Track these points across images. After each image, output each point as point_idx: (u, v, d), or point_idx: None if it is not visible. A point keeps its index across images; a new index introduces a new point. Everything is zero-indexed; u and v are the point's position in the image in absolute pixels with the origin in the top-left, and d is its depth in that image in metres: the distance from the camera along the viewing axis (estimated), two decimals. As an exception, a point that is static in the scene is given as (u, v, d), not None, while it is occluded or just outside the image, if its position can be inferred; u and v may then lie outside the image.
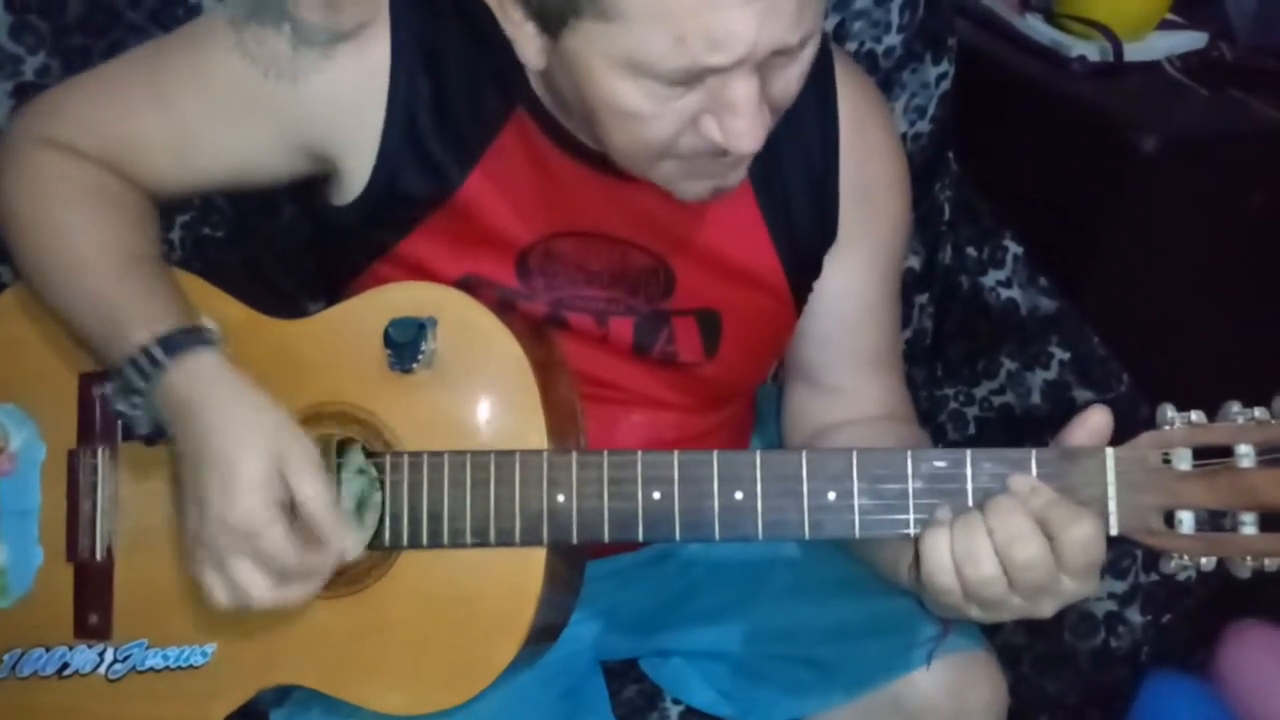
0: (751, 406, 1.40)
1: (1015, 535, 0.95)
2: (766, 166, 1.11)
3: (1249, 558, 0.96)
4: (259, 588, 1.02)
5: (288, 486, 1.02)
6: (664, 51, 0.92)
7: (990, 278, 1.72)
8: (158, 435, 1.09)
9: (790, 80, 1.00)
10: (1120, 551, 1.52)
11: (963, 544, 0.96)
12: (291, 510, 1.03)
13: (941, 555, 0.97)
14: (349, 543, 1.05)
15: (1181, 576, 1.00)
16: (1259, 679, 1.66)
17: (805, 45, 0.97)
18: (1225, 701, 1.67)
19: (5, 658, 1.18)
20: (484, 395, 1.10)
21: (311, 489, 1.02)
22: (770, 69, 0.97)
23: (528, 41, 1.02)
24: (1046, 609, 0.99)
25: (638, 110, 0.98)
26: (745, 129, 0.97)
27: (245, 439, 1.02)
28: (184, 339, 1.05)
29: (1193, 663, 1.70)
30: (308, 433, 1.09)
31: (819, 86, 1.17)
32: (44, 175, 1.14)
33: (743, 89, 0.95)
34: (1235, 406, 0.96)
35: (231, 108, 1.14)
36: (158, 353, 1.05)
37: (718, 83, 0.96)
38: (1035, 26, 1.91)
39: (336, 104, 1.12)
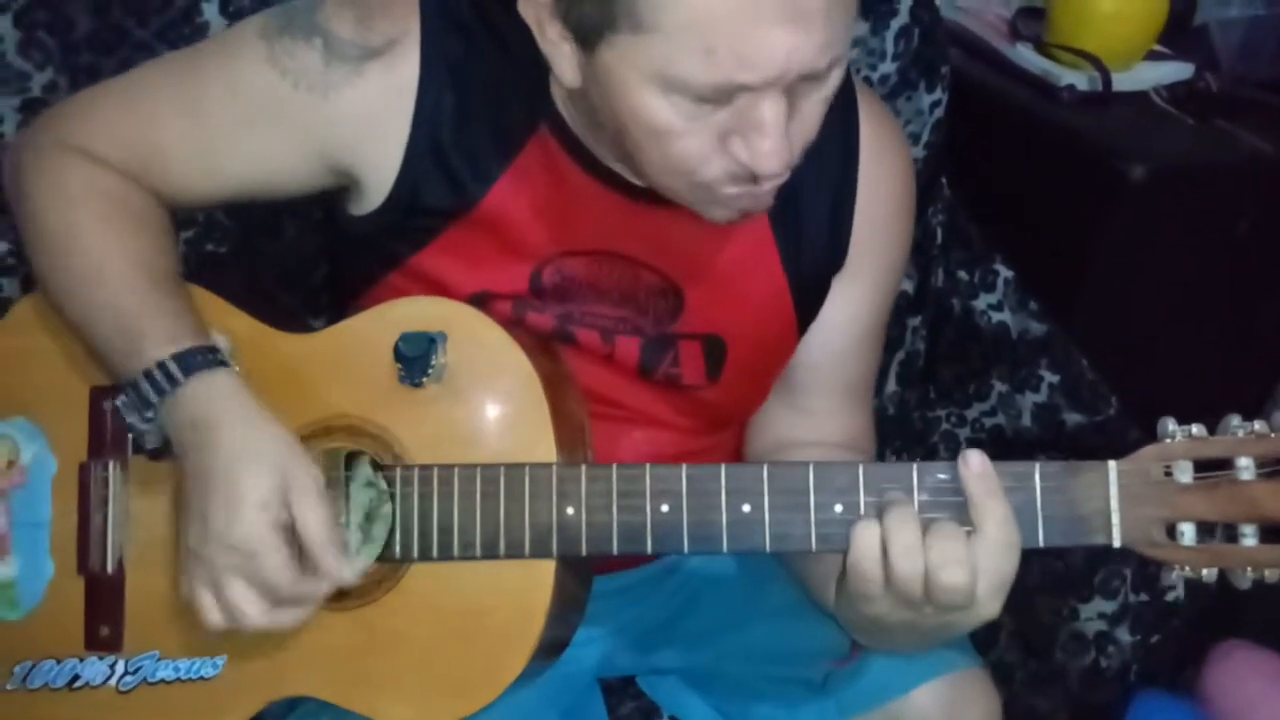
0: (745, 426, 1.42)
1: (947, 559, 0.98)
2: (784, 194, 1.12)
3: (1249, 568, 0.98)
4: (252, 610, 1.02)
5: (290, 510, 1.03)
6: (697, 67, 0.94)
7: (981, 301, 1.74)
8: (164, 451, 1.10)
9: (814, 106, 1.01)
10: (1110, 572, 1.54)
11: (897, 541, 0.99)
12: (293, 534, 1.03)
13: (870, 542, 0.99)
14: (346, 573, 1.05)
15: (1175, 583, 1.02)
16: (1244, 698, 1.67)
17: (831, 71, 0.99)
18: (1211, 721, 1.69)
19: (16, 669, 1.18)
20: (493, 409, 1.11)
21: (313, 516, 1.03)
22: (797, 94, 0.99)
23: (564, 60, 1.03)
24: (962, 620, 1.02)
25: (668, 126, 0.99)
26: (771, 149, 0.98)
27: (252, 459, 1.03)
28: (200, 358, 1.06)
29: (1180, 682, 1.71)
30: (317, 446, 1.11)
31: (842, 118, 1.18)
32: (71, 184, 1.15)
33: (770, 110, 0.97)
34: (1235, 420, 0.98)
35: (259, 118, 1.14)
36: (174, 369, 1.05)
37: (747, 102, 0.97)
38: (1025, 56, 1.93)
39: (364, 118, 1.13)
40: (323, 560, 1.03)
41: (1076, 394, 1.65)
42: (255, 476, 1.02)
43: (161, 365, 1.06)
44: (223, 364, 1.08)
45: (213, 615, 1.04)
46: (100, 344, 1.12)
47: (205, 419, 1.05)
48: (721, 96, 0.96)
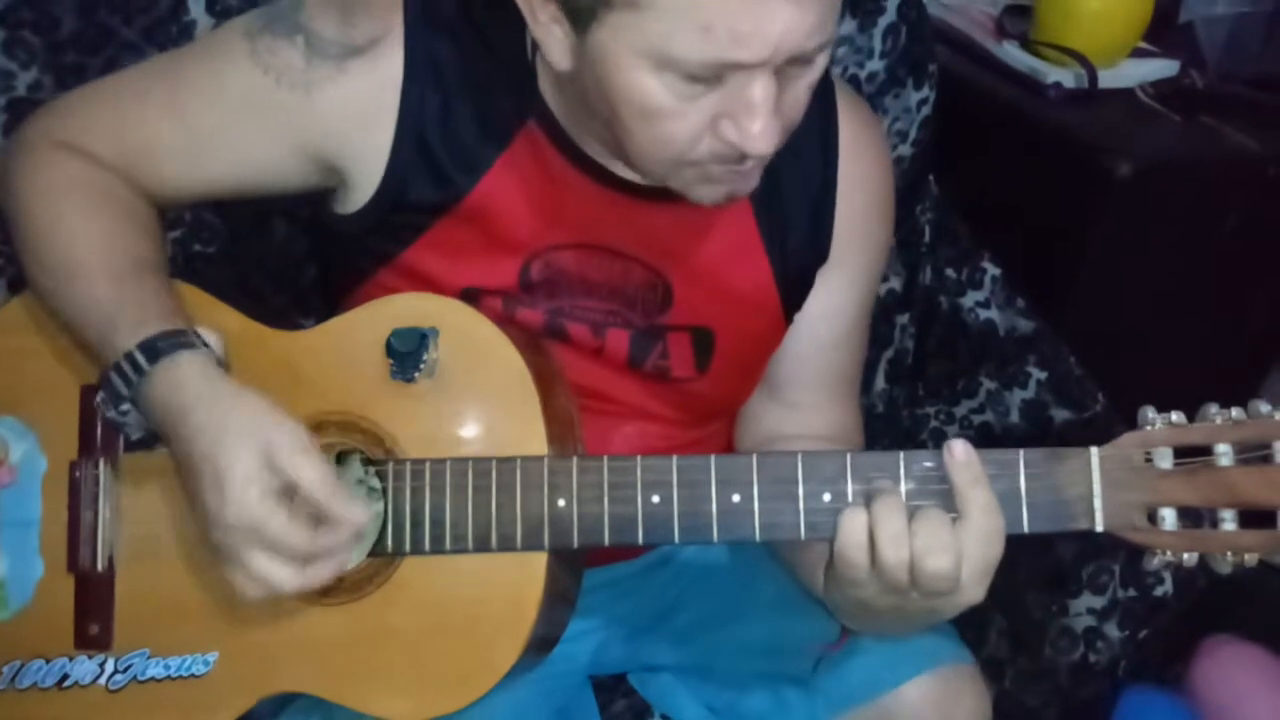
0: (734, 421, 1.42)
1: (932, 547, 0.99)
2: (767, 188, 1.13)
3: (1229, 553, 0.99)
4: (282, 575, 1.01)
5: (283, 473, 1.01)
6: (692, 43, 0.94)
7: (969, 298, 1.74)
8: (152, 440, 1.09)
9: (800, 92, 1.03)
10: (1099, 567, 1.54)
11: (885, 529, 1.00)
12: (294, 494, 1.02)
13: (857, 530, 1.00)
14: (358, 514, 1.02)
15: (1156, 568, 1.03)
16: (1232, 693, 1.68)
17: (819, 54, 1.00)
18: (1199, 716, 1.69)
19: (4, 669, 1.17)
20: (485, 404, 1.11)
21: (305, 472, 1.01)
22: (784, 78, 1.00)
23: (555, 42, 1.03)
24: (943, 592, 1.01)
25: (660, 106, 1.00)
26: (761, 130, 0.99)
27: (229, 437, 1.01)
28: (166, 344, 1.05)
29: (1168, 677, 1.72)
30: None
31: (821, 112, 1.20)
32: (59, 178, 1.15)
33: (761, 90, 0.98)
34: (1214, 407, 0.99)
35: (244, 116, 1.15)
36: (140, 358, 1.05)
37: (738, 83, 0.98)
38: (1012, 53, 1.94)
39: (348, 116, 1.14)
40: (331, 509, 1.01)
41: (1064, 391, 1.65)
42: (234, 452, 1.01)
43: (129, 356, 1.05)
44: (190, 347, 1.06)
45: (250, 590, 1.03)
46: (84, 336, 1.12)
47: (177, 406, 1.04)
48: (713, 75, 0.97)
